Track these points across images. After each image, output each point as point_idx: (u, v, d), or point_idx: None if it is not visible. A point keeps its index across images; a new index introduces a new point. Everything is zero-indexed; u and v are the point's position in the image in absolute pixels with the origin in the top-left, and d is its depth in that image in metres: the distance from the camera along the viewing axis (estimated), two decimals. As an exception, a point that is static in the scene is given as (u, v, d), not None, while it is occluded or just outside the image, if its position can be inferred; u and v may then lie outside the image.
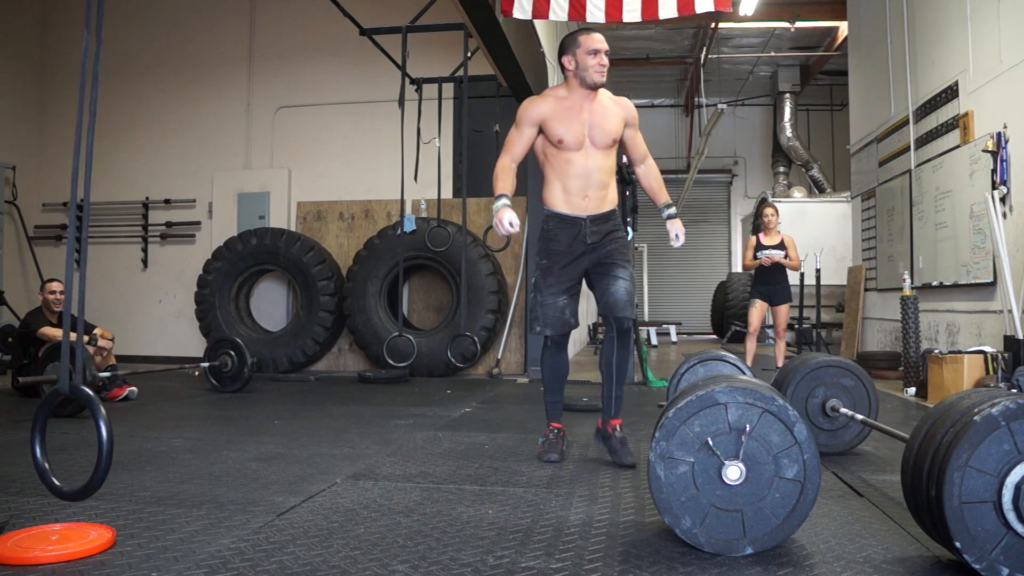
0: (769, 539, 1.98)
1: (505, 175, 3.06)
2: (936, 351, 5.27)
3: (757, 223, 6.58)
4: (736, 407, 2.02)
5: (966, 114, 6.02)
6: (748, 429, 1.99)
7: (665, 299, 16.74)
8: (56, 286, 5.64)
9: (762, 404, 2.01)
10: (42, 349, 5.17)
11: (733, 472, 1.97)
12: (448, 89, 6.88)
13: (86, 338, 5.28)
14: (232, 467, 3.07)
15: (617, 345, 3.09)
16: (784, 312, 6.37)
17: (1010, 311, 4.93)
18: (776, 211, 6.62)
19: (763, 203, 6.67)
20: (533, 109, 3.09)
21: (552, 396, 3.28)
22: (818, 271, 8.98)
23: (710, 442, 2.00)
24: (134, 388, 5.36)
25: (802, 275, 9.58)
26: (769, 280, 6.38)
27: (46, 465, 2.03)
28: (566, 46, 3.05)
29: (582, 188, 3.09)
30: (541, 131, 3.10)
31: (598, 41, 3.01)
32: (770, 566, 1.91)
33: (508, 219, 2.91)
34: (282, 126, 8.34)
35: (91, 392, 2.01)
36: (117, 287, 8.44)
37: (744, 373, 3.55)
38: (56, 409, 4.35)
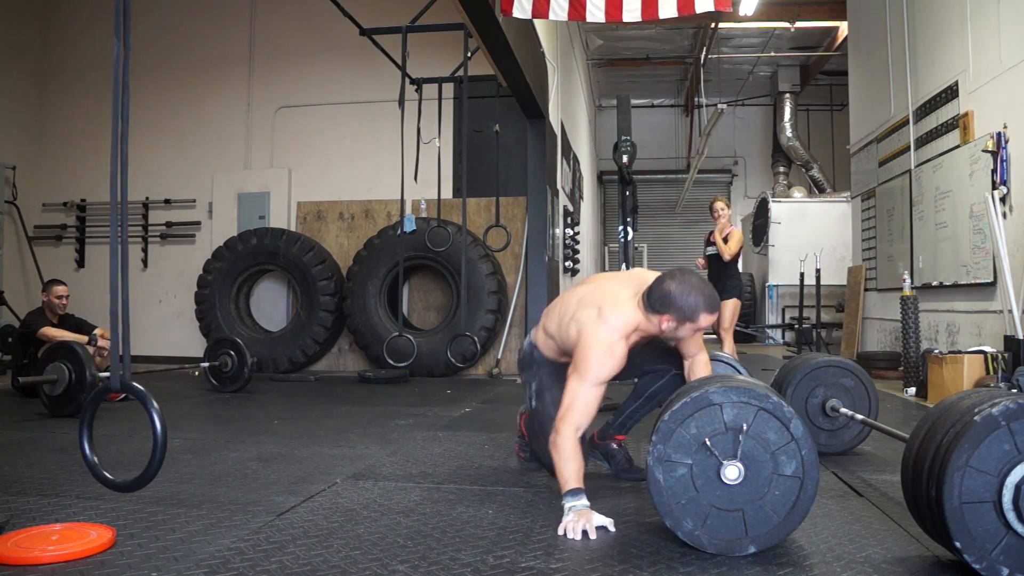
0: (771, 537, 1.98)
1: (576, 457, 2.27)
2: (936, 351, 5.27)
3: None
4: (731, 407, 2.01)
5: (966, 114, 6.02)
6: (745, 428, 1.99)
7: (665, 299, 16.72)
8: (62, 290, 5.58)
9: (757, 402, 2.01)
10: (42, 349, 5.17)
11: (732, 472, 1.97)
12: (448, 89, 6.87)
13: (85, 339, 5.27)
14: (232, 467, 3.07)
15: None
16: (727, 308, 5.84)
17: (1010, 311, 4.93)
18: (726, 204, 6.22)
19: (715, 198, 6.27)
20: (617, 365, 2.39)
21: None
22: (818, 271, 8.99)
23: (708, 443, 2.00)
24: None
25: (802, 275, 9.61)
26: (712, 280, 6.04)
27: (95, 459, 2.04)
28: (682, 310, 2.37)
29: None
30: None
31: (707, 322, 2.46)
32: (770, 566, 1.91)
33: (596, 525, 2.17)
34: (282, 126, 8.34)
35: (142, 387, 2.03)
36: (117, 287, 8.44)
37: (740, 372, 3.55)
38: (56, 409, 4.40)
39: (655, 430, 2.05)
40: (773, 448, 1.99)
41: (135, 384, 2.03)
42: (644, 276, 2.59)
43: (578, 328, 2.44)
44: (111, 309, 2.02)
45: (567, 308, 2.59)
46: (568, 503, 2.21)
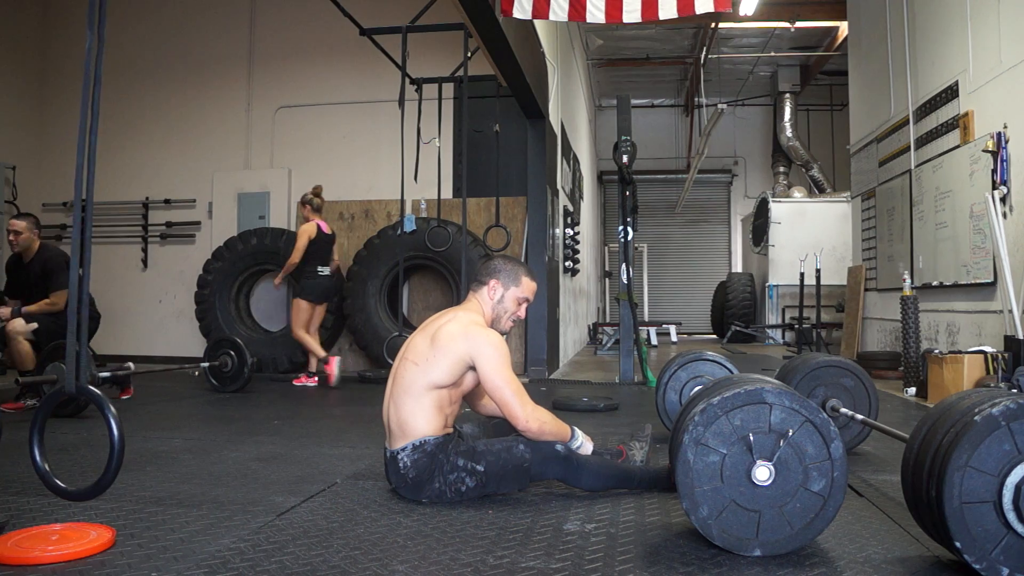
0: (779, 546, 1.97)
1: (551, 414, 2.59)
2: (936, 351, 5.27)
3: None
4: (781, 410, 2.01)
5: (966, 114, 6.02)
6: (790, 434, 1.99)
7: (665, 299, 16.75)
8: (14, 224, 5.09)
9: (807, 413, 2.00)
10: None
11: (762, 473, 1.97)
12: (448, 89, 6.88)
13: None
14: (232, 467, 3.07)
15: None
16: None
17: (1010, 311, 4.93)
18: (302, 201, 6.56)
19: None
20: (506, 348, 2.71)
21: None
22: (818, 271, 8.99)
23: (751, 438, 1.99)
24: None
25: (802, 275, 9.61)
26: None
27: (46, 467, 2.00)
28: (507, 274, 2.74)
29: None
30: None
31: (530, 288, 2.81)
32: (770, 566, 1.91)
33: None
34: (282, 126, 8.34)
35: (97, 390, 1.99)
36: (117, 287, 8.44)
37: (732, 372, 3.54)
38: (56, 409, 4.38)
39: (701, 411, 2.02)
40: (808, 461, 1.99)
41: (91, 387, 1.98)
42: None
43: (466, 346, 2.50)
44: (69, 309, 1.96)
45: (418, 353, 2.62)
46: (576, 441, 2.63)
